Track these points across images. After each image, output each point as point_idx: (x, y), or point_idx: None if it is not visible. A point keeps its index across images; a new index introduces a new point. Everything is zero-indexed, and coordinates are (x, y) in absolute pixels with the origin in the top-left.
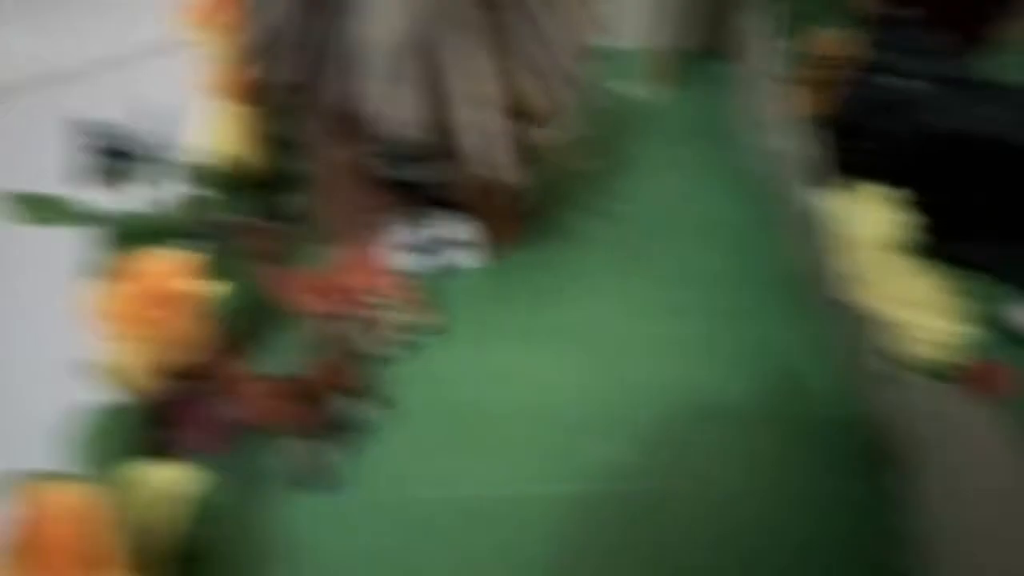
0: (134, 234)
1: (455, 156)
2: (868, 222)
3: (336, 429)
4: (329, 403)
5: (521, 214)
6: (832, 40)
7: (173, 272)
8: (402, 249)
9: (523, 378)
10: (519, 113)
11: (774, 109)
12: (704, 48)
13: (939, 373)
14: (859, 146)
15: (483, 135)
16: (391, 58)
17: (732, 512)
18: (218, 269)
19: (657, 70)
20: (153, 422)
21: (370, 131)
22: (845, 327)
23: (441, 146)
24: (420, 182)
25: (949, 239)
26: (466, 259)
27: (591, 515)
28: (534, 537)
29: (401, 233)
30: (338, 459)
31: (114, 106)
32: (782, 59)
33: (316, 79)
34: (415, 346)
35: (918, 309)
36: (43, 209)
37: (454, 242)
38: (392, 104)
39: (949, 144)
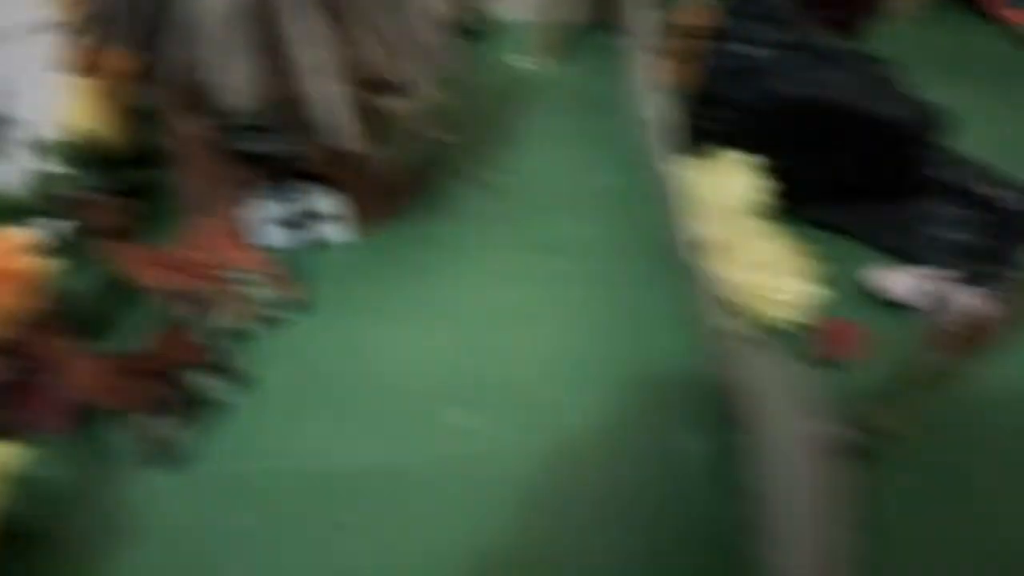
0: None
1: (302, 126)
2: (727, 188)
3: (186, 405)
4: (178, 379)
5: (389, 188)
6: (696, 11)
7: (6, 250)
8: (267, 223)
9: (388, 351)
10: (367, 82)
11: (647, 80)
12: (592, 21)
13: (793, 333)
14: (716, 114)
15: (327, 105)
16: (227, 27)
17: (592, 472)
18: (62, 246)
19: (545, 43)
20: None
21: (213, 103)
22: (702, 290)
23: (287, 116)
24: (275, 154)
25: (806, 203)
26: (336, 234)
27: (450, 481)
28: (395, 504)
29: (266, 207)
30: (187, 435)
31: None
32: (655, 31)
33: (155, 50)
34: (276, 321)
35: (774, 271)
36: None
37: (323, 216)
38: (229, 74)
39: (799, 110)
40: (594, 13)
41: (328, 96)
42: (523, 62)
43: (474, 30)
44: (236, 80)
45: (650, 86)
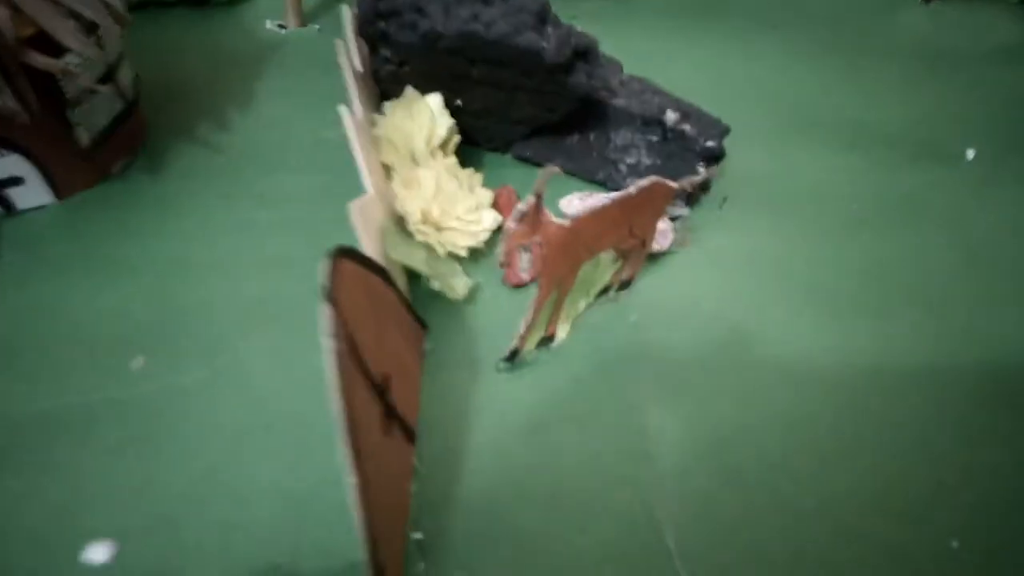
0: None
1: None
2: (415, 127)
3: None
4: None
5: (86, 149)
6: None
7: None
8: None
9: (74, 309)
10: (17, 41)
11: (346, 30)
12: None
13: (480, 261)
14: (384, 55)
15: None
16: None
17: (261, 394)
18: None
19: (291, 5)
20: None
21: None
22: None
23: None
24: None
25: (501, 137)
26: (27, 199)
27: (119, 424)
28: (60, 448)
29: None
30: None
31: None
32: None
33: None
34: None
35: (462, 204)
36: None
37: (11, 181)
38: None
39: (453, 47)
40: None
41: None
42: (275, 26)
43: None
44: None
45: (347, 35)
